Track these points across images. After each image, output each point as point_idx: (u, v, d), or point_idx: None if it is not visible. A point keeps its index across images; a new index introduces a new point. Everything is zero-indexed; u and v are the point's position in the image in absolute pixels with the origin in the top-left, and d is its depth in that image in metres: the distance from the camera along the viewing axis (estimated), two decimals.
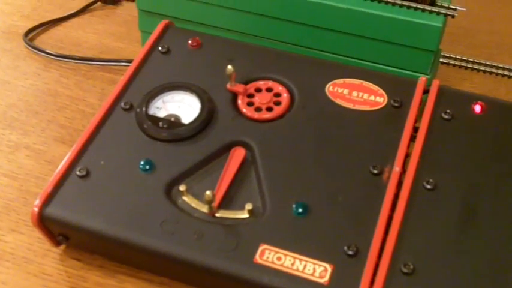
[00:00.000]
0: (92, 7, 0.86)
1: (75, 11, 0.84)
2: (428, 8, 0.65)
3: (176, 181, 0.49)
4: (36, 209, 0.48)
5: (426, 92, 0.54)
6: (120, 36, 0.80)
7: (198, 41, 0.58)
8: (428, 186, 0.47)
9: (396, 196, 0.47)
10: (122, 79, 0.55)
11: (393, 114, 0.52)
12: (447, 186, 0.48)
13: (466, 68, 0.79)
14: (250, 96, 0.54)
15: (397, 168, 0.48)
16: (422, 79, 0.54)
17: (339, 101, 0.53)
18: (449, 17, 0.65)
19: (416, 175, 0.48)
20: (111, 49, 0.78)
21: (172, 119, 0.52)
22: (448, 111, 0.52)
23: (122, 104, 0.53)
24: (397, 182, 0.47)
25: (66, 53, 0.76)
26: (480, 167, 0.49)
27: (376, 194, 0.47)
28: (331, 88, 0.54)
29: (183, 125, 0.52)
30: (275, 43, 0.69)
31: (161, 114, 0.53)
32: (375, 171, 0.48)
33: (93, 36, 0.81)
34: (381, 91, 0.54)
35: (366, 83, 0.54)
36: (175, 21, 0.61)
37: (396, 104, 0.53)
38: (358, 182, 0.48)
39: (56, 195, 0.49)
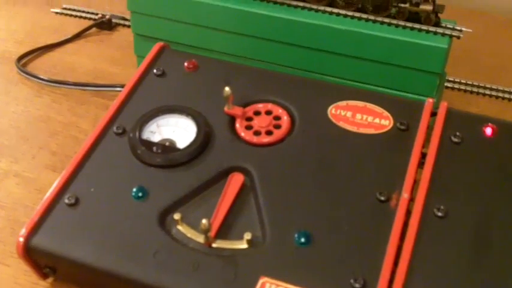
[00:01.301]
0: (87, 32, 0.84)
1: (69, 36, 0.82)
2: (432, 29, 0.63)
3: (170, 209, 0.46)
4: (21, 239, 0.45)
5: (433, 114, 0.52)
6: (116, 61, 0.79)
7: (194, 63, 0.56)
8: (439, 214, 0.45)
9: (405, 224, 0.44)
10: (115, 102, 0.53)
11: (400, 137, 0.50)
12: (459, 213, 0.45)
13: (471, 92, 0.77)
14: (249, 119, 0.52)
15: (405, 195, 0.45)
16: (430, 101, 0.52)
17: (342, 124, 0.51)
18: (453, 39, 0.63)
19: (426, 202, 0.45)
20: (106, 74, 0.76)
21: (167, 143, 0.50)
22: (458, 134, 0.49)
23: (114, 129, 0.51)
24: (406, 210, 0.45)
25: (60, 78, 0.74)
26: (493, 193, 0.46)
27: (384, 222, 0.44)
28: (333, 111, 0.52)
29: (178, 149, 0.49)
30: (274, 66, 0.67)
31: (155, 138, 0.50)
32: (382, 198, 0.45)
33: (88, 61, 0.79)
34: (386, 113, 0.51)
35: (370, 105, 0.52)
36: (172, 45, 0.59)
37: (402, 127, 0.50)
38: (364, 209, 0.45)
39: (43, 224, 0.46)
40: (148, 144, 0.50)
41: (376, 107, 0.52)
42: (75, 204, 0.47)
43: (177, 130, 0.51)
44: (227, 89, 0.50)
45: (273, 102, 0.53)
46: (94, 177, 0.48)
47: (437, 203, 0.45)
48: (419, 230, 0.43)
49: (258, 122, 0.51)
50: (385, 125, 0.51)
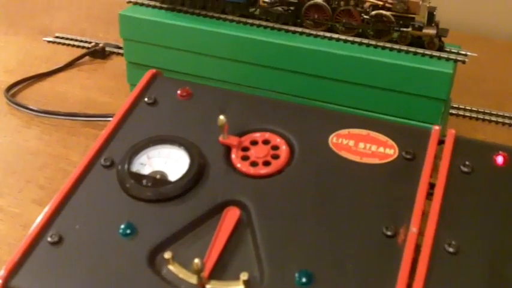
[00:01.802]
0: (79, 61, 0.82)
1: (61, 65, 0.80)
2: (436, 53, 0.61)
3: (161, 247, 0.43)
4: (0, 281, 0.41)
5: (441, 142, 0.49)
6: (108, 90, 0.76)
7: (188, 91, 0.53)
8: (451, 250, 0.41)
9: (414, 261, 0.41)
10: (103, 133, 0.50)
11: (406, 167, 0.47)
12: (471, 249, 0.42)
13: (477, 118, 0.75)
14: (245, 149, 0.49)
15: (414, 229, 0.42)
16: (436, 128, 0.49)
17: (344, 154, 0.48)
18: (457, 64, 0.61)
19: (436, 237, 0.42)
20: (98, 104, 0.74)
21: (158, 176, 0.47)
22: (467, 163, 0.46)
23: (102, 161, 0.48)
24: (415, 245, 0.41)
25: (50, 108, 0.72)
26: (507, 225, 0.43)
27: (391, 260, 0.41)
28: (334, 139, 0.49)
29: (170, 182, 0.46)
30: (271, 94, 0.64)
31: (145, 171, 0.47)
32: (389, 233, 0.42)
33: (80, 91, 0.77)
34: (391, 142, 0.48)
35: (373, 134, 0.49)
36: (166, 73, 0.56)
37: (408, 156, 0.47)
38: (370, 245, 0.42)
39: (24, 264, 0.43)
40: (138, 177, 0.47)
41: (380, 135, 0.49)
42: (58, 242, 0.43)
43: (168, 162, 0.48)
44: (222, 117, 0.47)
45: (271, 131, 0.50)
46: (79, 213, 0.45)
47: (448, 238, 0.42)
48: (429, 267, 0.40)
49: (255, 152, 0.48)
50: (389, 154, 0.48)
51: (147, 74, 0.55)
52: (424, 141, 0.49)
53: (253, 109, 0.52)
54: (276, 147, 0.49)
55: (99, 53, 0.83)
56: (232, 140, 0.49)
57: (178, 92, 0.53)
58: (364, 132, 0.49)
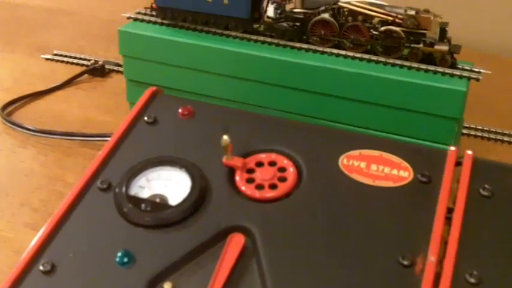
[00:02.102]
0: (78, 79, 0.80)
1: (59, 83, 0.78)
2: (449, 71, 0.59)
3: (160, 277, 0.40)
4: None
5: (457, 164, 0.46)
6: (108, 109, 0.74)
7: (189, 109, 0.50)
8: (472, 280, 0.38)
9: None
10: (100, 154, 0.47)
11: (422, 191, 0.44)
12: (494, 279, 0.39)
13: (489, 139, 0.73)
14: (250, 171, 0.46)
15: (432, 258, 0.39)
16: (453, 149, 0.47)
17: (355, 176, 0.45)
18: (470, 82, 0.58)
19: (457, 266, 0.39)
20: (97, 123, 0.71)
21: (158, 200, 0.44)
22: (487, 186, 0.44)
23: (99, 183, 0.45)
24: (434, 276, 0.38)
25: (47, 128, 0.69)
26: None
27: None
28: (345, 161, 0.46)
29: (170, 207, 0.43)
30: (277, 113, 0.62)
31: (144, 194, 0.44)
32: (405, 263, 0.39)
33: (78, 109, 0.74)
34: (405, 164, 0.46)
35: (386, 155, 0.46)
36: (167, 91, 0.54)
37: (424, 179, 0.45)
38: (385, 276, 0.39)
39: None
40: (137, 201, 0.44)
41: (393, 156, 0.46)
42: (51, 271, 0.41)
43: (169, 185, 0.45)
44: (225, 137, 0.45)
45: (277, 151, 0.47)
46: (73, 239, 0.42)
47: (469, 267, 0.39)
48: None
49: (261, 175, 0.45)
50: (404, 176, 0.45)
51: (147, 92, 0.52)
52: (440, 163, 0.46)
53: (259, 128, 0.49)
54: (283, 169, 0.46)
55: (98, 71, 0.81)
56: (237, 162, 0.46)
57: (180, 110, 0.51)
58: (376, 153, 0.47)
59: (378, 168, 0.46)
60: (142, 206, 0.43)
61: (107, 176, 0.46)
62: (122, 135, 0.49)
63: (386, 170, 0.46)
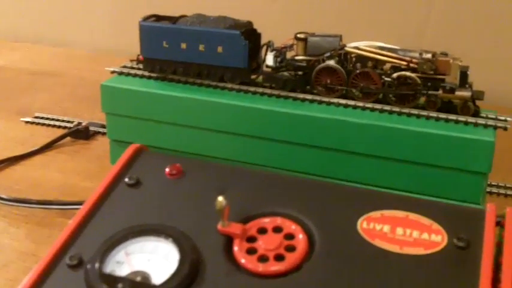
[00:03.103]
0: (60, 142, 0.74)
1: (38, 147, 0.71)
2: (472, 120, 0.52)
3: None
4: None
5: (497, 224, 0.39)
6: (90, 174, 0.67)
7: (178, 168, 0.43)
8: None
9: None
10: (70, 223, 0.40)
11: (460, 258, 0.37)
12: None
13: None
14: (251, 240, 0.38)
15: None
16: (492, 207, 0.39)
17: (378, 243, 0.38)
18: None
19: None
20: (78, 190, 0.65)
21: (138, 278, 0.36)
22: None
23: (67, 259, 0.38)
24: None
25: (22, 196, 0.62)
26: None
27: None
28: (365, 224, 0.39)
29: (154, 287, 0.35)
30: (280, 173, 0.55)
31: (123, 271, 0.37)
32: None
33: (58, 175, 0.67)
34: (436, 226, 0.38)
35: (413, 216, 0.39)
36: (155, 151, 0.47)
37: (461, 244, 0.37)
38: None
39: None
40: (112, 280, 0.36)
41: (422, 217, 0.39)
42: None
43: (153, 259, 0.37)
44: (220, 199, 0.37)
45: (283, 215, 0.40)
46: None
47: None
48: None
49: (264, 244, 0.38)
50: (437, 241, 0.37)
51: (129, 149, 0.45)
52: (478, 224, 0.39)
53: (260, 188, 0.42)
54: (290, 236, 0.38)
55: (81, 133, 0.74)
56: (235, 228, 0.38)
57: (167, 169, 0.44)
58: (401, 214, 0.39)
59: (404, 232, 0.38)
60: (119, 285, 0.35)
61: (78, 250, 0.38)
62: (97, 200, 0.41)
63: (415, 234, 0.38)
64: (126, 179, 0.43)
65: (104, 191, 0.42)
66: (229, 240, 0.39)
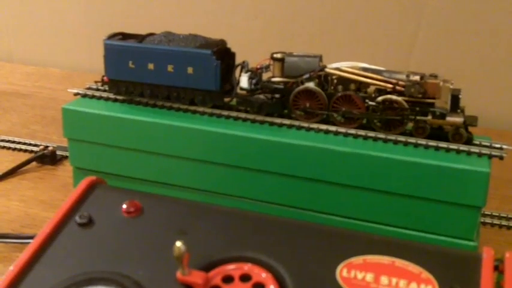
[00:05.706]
0: (23, 168, 0.69)
1: (0, 173, 0.66)
2: (465, 148, 0.48)
3: None
4: None
5: (494, 269, 0.35)
6: (54, 203, 0.63)
7: (136, 205, 0.39)
8: None
9: None
10: (11, 270, 0.35)
11: None
12: None
13: (508, 227, 0.62)
14: None
15: None
16: (489, 252, 0.35)
17: None
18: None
19: None
20: (39, 221, 0.60)
21: None
22: None
23: None
24: None
25: None
26: None
27: None
28: (345, 273, 0.34)
29: None
30: (254, 204, 0.51)
31: None
32: None
33: (18, 205, 0.63)
34: (426, 274, 0.34)
35: (399, 262, 0.35)
36: (120, 180, 0.43)
37: None
38: None
39: None
40: None
41: (410, 264, 0.34)
42: None
43: None
44: (179, 244, 0.33)
45: (252, 260, 0.35)
46: None
47: None
48: None
49: None
50: None
51: (82, 183, 0.40)
52: (473, 270, 0.34)
53: (226, 228, 0.38)
54: (260, 286, 0.34)
55: (48, 158, 0.70)
56: (196, 277, 0.34)
57: (124, 206, 0.39)
58: (386, 260, 0.35)
59: (390, 282, 0.34)
60: None
61: None
62: (42, 244, 0.36)
63: (402, 283, 0.33)
64: (77, 218, 0.38)
65: (51, 232, 0.37)
66: None
